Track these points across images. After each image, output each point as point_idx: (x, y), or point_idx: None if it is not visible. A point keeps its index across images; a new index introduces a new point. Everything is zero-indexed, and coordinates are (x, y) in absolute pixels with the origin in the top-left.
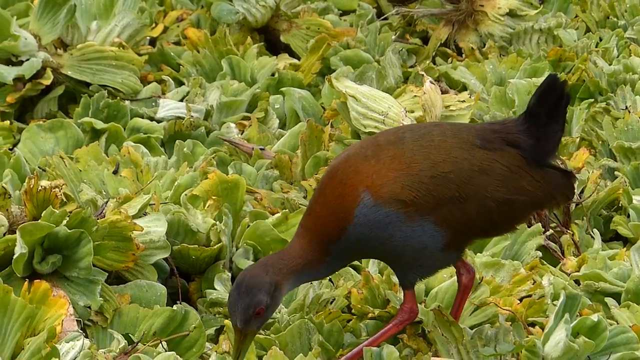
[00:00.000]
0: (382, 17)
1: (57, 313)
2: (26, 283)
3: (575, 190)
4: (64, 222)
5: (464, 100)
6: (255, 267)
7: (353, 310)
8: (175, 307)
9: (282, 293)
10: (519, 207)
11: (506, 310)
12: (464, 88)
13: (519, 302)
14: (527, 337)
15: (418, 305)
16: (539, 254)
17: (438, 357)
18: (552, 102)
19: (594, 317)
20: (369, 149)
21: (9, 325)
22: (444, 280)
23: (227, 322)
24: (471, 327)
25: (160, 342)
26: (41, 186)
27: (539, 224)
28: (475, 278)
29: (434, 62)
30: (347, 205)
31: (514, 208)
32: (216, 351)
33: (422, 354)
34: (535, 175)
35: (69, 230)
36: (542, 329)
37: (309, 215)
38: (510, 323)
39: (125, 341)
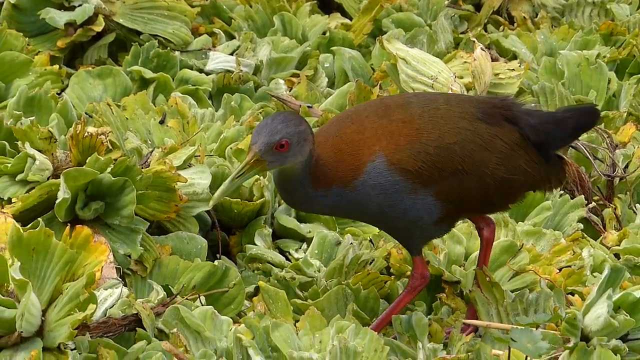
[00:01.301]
0: None
1: (97, 259)
2: (68, 228)
3: (620, 164)
4: (109, 169)
5: (513, 69)
6: (299, 115)
7: (391, 270)
8: (216, 262)
9: (304, 154)
10: (515, 187)
11: (545, 278)
12: (514, 57)
13: (558, 271)
14: (567, 305)
15: (428, 269)
16: (581, 226)
17: (474, 318)
18: (582, 126)
19: (637, 294)
20: (379, 108)
21: (48, 268)
22: None
23: (261, 282)
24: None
25: (199, 297)
26: (87, 132)
27: (582, 196)
28: (496, 230)
29: (486, 30)
30: (361, 158)
31: (510, 187)
32: (253, 310)
33: (460, 312)
34: (532, 156)
35: (113, 178)
36: (582, 297)
37: (325, 140)
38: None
39: (164, 293)
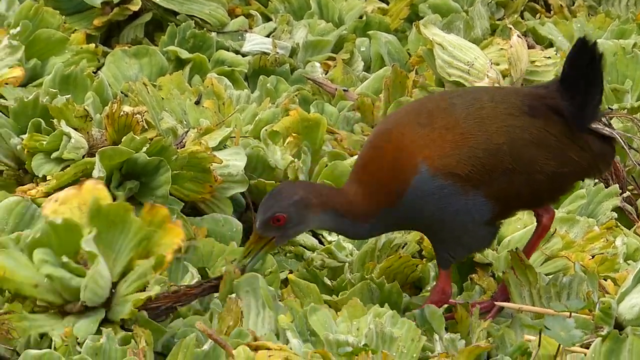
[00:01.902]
0: None
1: (171, 241)
2: (147, 205)
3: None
4: (144, 148)
5: (549, 57)
6: (300, 183)
7: (424, 253)
8: None
9: (312, 218)
10: (565, 180)
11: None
12: (551, 45)
13: (590, 258)
14: (600, 290)
15: (451, 287)
16: (614, 214)
17: (503, 300)
18: (584, 66)
19: None
20: (421, 116)
21: (124, 242)
22: (517, 230)
23: (291, 276)
24: None
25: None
26: (123, 111)
27: (617, 185)
28: (553, 218)
29: (522, 17)
30: (404, 173)
31: (560, 181)
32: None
33: (491, 292)
34: (581, 145)
35: (148, 158)
36: (615, 283)
37: (363, 169)
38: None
39: (199, 275)
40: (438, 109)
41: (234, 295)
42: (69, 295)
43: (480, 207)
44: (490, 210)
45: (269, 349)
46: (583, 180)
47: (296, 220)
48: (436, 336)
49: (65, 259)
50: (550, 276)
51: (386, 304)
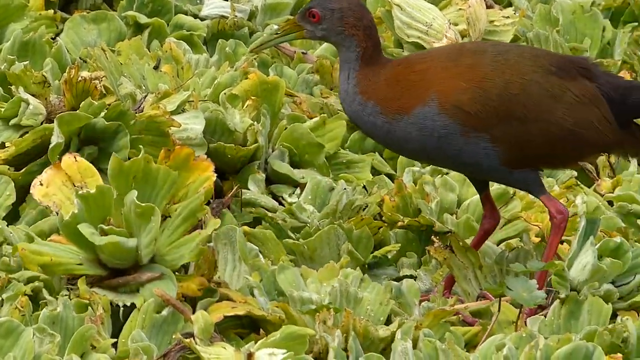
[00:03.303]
0: None
1: (202, 176)
2: (163, 151)
3: None
4: (102, 113)
5: (508, 17)
6: (356, 2)
7: (384, 218)
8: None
9: (339, 34)
10: (584, 142)
11: (536, 225)
12: (509, 4)
13: None
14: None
15: (561, 203)
16: (574, 173)
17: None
18: None
19: (617, 239)
20: (453, 51)
21: (152, 194)
22: (475, 194)
23: (245, 227)
24: (500, 241)
25: None
26: (81, 77)
27: None
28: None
29: None
30: (412, 99)
31: (579, 142)
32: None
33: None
34: (605, 114)
35: (106, 122)
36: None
37: (393, 67)
38: (539, 240)
39: None
40: (469, 50)
41: (211, 244)
42: (124, 259)
43: (486, 152)
44: (499, 156)
45: (233, 300)
46: (607, 155)
47: (328, 25)
48: (414, 300)
49: (105, 226)
50: (498, 249)
51: (358, 268)
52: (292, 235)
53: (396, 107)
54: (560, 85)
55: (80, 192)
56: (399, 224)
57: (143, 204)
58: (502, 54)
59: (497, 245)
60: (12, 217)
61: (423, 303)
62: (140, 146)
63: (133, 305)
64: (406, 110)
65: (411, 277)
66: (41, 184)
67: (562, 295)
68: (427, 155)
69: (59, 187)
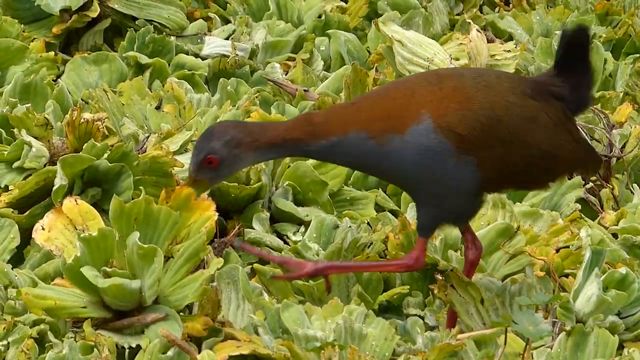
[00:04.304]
0: None
1: (204, 215)
2: (163, 191)
3: (617, 145)
4: (105, 155)
5: (509, 50)
6: (231, 122)
7: (388, 256)
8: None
9: (247, 157)
10: (558, 163)
11: (541, 259)
12: (510, 38)
13: (555, 252)
14: (559, 290)
15: (425, 256)
16: (578, 206)
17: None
18: (580, 52)
19: (622, 270)
20: (431, 76)
21: (154, 235)
22: (480, 228)
23: (256, 265)
24: (505, 277)
25: None
26: (84, 118)
27: (579, 176)
28: (481, 255)
29: (481, 11)
30: (405, 119)
31: (554, 163)
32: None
33: (454, 305)
34: (575, 136)
35: (109, 164)
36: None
37: (353, 106)
38: (544, 273)
39: None
40: (447, 74)
41: (214, 283)
42: (128, 300)
43: (469, 175)
44: (479, 179)
45: (238, 339)
46: (572, 174)
47: (231, 160)
48: (417, 329)
49: (108, 268)
50: (500, 284)
51: (362, 304)
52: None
53: (386, 128)
54: (535, 107)
55: (82, 235)
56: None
57: (145, 245)
58: (481, 76)
59: (502, 281)
60: (17, 259)
61: (426, 333)
62: (141, 187)
63: (138, 347)
64: (400, 130)
65: (417, 316)
66: (43, 229)
67: (568, 327)
68: (404, 178)
69: (60, 230)
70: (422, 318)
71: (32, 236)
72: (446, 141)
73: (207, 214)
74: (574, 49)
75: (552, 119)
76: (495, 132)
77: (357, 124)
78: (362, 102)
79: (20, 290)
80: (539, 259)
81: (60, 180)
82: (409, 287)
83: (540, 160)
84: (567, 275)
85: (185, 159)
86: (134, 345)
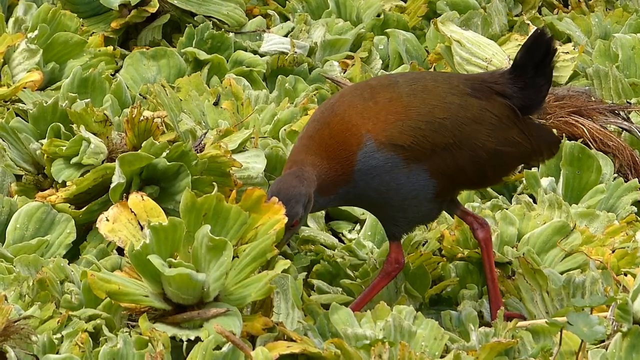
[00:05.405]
0: None
1: (273, 218)
2: (234, 191)
3: None
4: (164, 154)
5: (567, 52)
6: (289, 177)
7: (443, 252)
8: None
9: (311, 206)
10: (507, 159)
11: (597, 259)
12: (569, 40)
13: (611, 252)
14: (616, 286)
15: (404, 255)
16: (634, 209)
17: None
18: (538, 56)
19: None
20: (364, 91)
21: (221, 232)
22: (537, 226)
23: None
24: (560, 274)
25: None
26: (143, 116)
27: (636, 179)
28: (490, 230)
29: (540, 12)
30: (350, 149)
31: (503, 159)
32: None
33: (510, 295)
34: (522, 127)
35: (168, 163)
36: (635, 277)
37: (311, 139)
38: (600, 271)
39: None
40: (381, 85)
41: None
42: (190, 293)
43: (424, 183)
44: (435, 186)
45: (293, 340)
46: (527, 165)
47: (304, 218)
48: (470, 325)
49: (173, 259)
50: (564, 276)
51: (411, 304)
52: (350, 273)
53: (345, 168)
54: (478, 107)
55: (152, 223)
56: (459, 255)
57: (216, 237)
58: (417, 81)
59: None
60: (73, 255)
61: (480, 329)
62: (197, 187)
63: (196, 340)
64: (351, 161)
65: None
66: (107, 220)
67: (624, 329)
68: (370, 202)
69: (124, 224)
70: (478, 312)
71: (96, 226)
72: (392, 155)
73: (276, 217)
74: (533, 50)
75: (496, 116)
76: (439, 138)
77: (336, 182)
78: (309, 141)
79: (86, 271)
80: (595, 259)
81: (118, 178)
82: (458, 278)
83: (489, 160)
84: (625, 274)
85: (244, 158)
86: (192, 338)
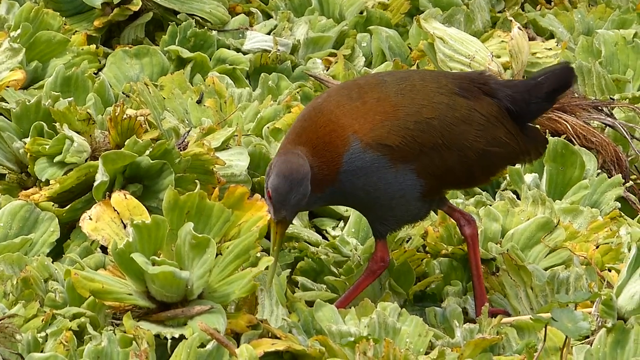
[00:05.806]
0: None
1: (255, 215)
2: (216, 189)
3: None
4: (147, 152)
5: (550, 48)
6: (292, 157)
7: (427, 249)
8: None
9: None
10: (495, 159)
11: (581, 255)
12: (551, 36)
13: (595, 248)
14: (601, 282)
15: (389, 253)
16: (618, 204)
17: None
18: (558, 89)
19: None
20: (352, 91)
21: (204, 230)
22: (520, 223)
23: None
24: (544, 270)
25: None
26: (126, 114)
27: (620, 175)
28: (477, 227)
29: (523, 9)
30: (337, 148)
31: (491, 160)
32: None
33: (494, 291)
34: (510, 128)
35: (151, 161)
36: (619, 273)
37: (298, 137)
38: (584, 267)
39: None
40: (369, 85)
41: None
42: (174, 291)
43: (412, 182)
44: (422, 186)
45: (277, 337)
46: (514, 165)
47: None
48: (455, 322)
49: (157, 257)
50: (548, 272)
51: (395, 301)
52: (334, 270)
53: (332, 169)
54: (466, 107)
55: (135, 222)
56: (443, 252)
57: (199, 235)
58: (404, 80)
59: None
60: (57, 253)
61: (465, 325)
62: (180, 185)
63: (180, 338)
64: (337, 162)
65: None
66: (90, 219)
67: (609, 324)
68: (358, 201)
69: (107, 222)
70: (462, 308)
71: (79, 225)
72: (379, 155)
73: (259, 214)
74: (556, 79)
75: (483, 116)
76: (427, 137)
77: (324, 181)
78: (297, 138)
79: (69, 270)
80: (578, 255)
81: (101, 176)
82: (442, 275)
83: (477, 160)
84: (609, 270)
85: (227, 156)
86: (176, 336)
